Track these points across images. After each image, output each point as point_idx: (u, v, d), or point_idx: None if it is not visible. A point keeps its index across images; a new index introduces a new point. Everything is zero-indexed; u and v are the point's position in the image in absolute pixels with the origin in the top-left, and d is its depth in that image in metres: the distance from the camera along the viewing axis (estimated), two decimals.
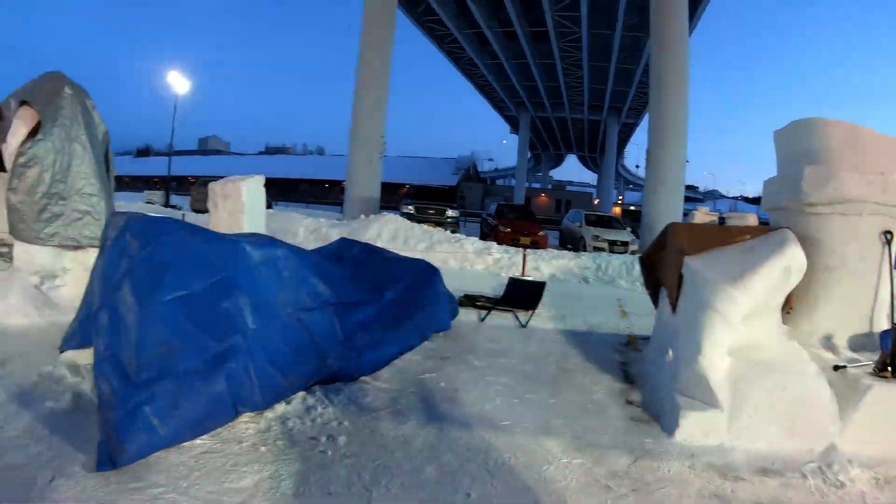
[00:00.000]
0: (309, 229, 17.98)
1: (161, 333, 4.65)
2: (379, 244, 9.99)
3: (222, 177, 11.33)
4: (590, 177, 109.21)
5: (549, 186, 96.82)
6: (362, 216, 20.59)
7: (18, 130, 8.01)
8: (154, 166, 78.47)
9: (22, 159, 7.63)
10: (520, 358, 7.18)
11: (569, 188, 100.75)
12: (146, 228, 5.30)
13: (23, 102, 8.09)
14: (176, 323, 4.72)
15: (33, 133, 7.87)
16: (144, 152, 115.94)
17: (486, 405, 5.60)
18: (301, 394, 5.32)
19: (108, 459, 4.00)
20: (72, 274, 7.89)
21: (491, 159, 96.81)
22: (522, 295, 9.40)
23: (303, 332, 5.49)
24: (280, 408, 5.05)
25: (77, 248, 7.95)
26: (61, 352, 5.70)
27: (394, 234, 16.86)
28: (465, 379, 6.27)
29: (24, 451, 4.23)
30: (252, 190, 10.64)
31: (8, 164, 7.99)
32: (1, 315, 7.22)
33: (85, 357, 5.55)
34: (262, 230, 10.04)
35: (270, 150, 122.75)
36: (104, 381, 4.46)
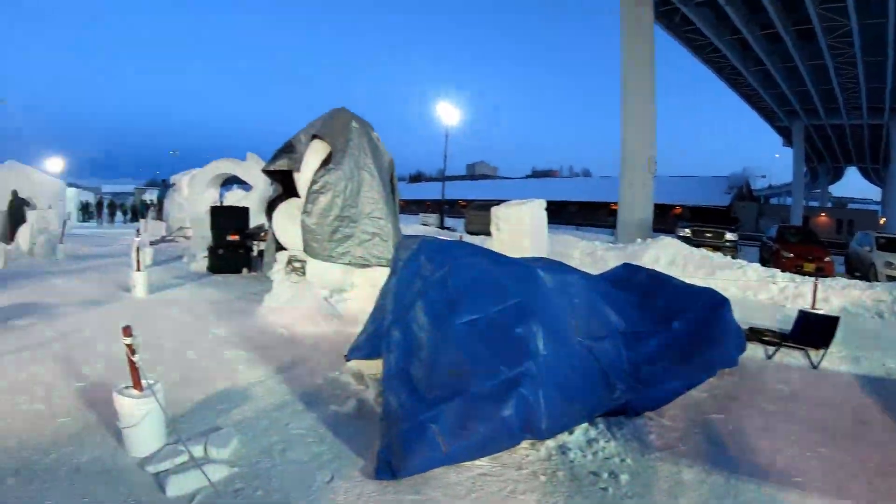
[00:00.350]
0: (584, 252, 17.59)
1: (454, 355, 4.64)
2: (656, 269, 9.45)
3: (491, 200, 11.49)
4: (873, 192, 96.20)
5: (829, 204, 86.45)
6: (639, 240, 19.86)
7: (312, 161, 8.70)
8: (426, 190, 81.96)
9: (315, 186, 8.25)
10: (812, 404, 6.36)
11: (850, 206, 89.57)
12: (440, 252, 5.39)
13: (314, 136, 8.80)
14: (469, 345, 4.69)
15: (325, 163, 8.49)
16: (417, 178, 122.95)
17: (776, 456, 4.99)
18: (584, 424, 5.07)
19: (388, 469, 4.03)
20: (358, 289, 8.36)
21: (763, 176, 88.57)
22: (813, 331, 8.27)
23: (592, 361, 5.25)
24: (562, 437, 4.85)
25: (365, 266, 8.41)
26: (347, 360, 5.92)
27: (672, 258, 15.91)
28: (754, 424, 5.66)
29: (307, 449, 4.43)
30: (534, 213, 10.64)
31: (302, 191, 8.70)
32: (293, 322, 7.86)
33: (369, 368, 5.75)
34: (543, 253, 9.97)
35: (537, 174, 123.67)
36: (393, 394, 4.53)
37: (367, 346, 5.71)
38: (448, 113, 39.52)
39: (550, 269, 5.48)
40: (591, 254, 17.27)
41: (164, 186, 35.48)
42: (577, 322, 5.34)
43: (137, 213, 44.43)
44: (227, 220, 13.97)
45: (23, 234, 16.53)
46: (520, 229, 10.42)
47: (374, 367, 5.70)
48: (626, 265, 8.28)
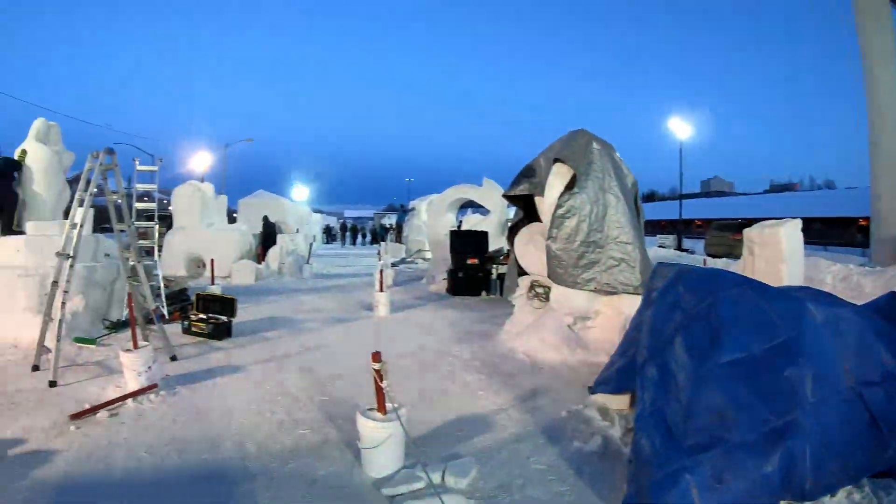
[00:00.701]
0: (837, 277, 15.83)
1: (715, 398, 4.23)
2: None
3: (729, 219, 10.59)
4: None
5: None
6: None
7: (555, 185, 8.57)
8: (660, 210, 77.50)
9: (560, 211, 8.12)
10: None
11: None
12: (702, 281, 4.99)
13: (555, 160, 8.66)
14: (732, 388, 4.25)
15: (569, 187, 8.33)
16: (650, 197, 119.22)
17: None
18: (847, 487, 4.40)
19: None
20: (603, 317, 8.09)
21: None
22: None
23: (862, 410, 4.57)
24: (823, 499, 4.25)
25: (611, 293, 8.10)
26: (591, 393, 5.69)
27: None
28: None
29: (547, 488, 4.23)
30: (790, 235, 9.74)
31: (545, 215, 8.59)
32: (535, 349, 7.74)
33: (616, 403, 5.48)
34: (799, 280, 9.13)
35: (775, 188, 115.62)
36: (645, 436, 4.23)
37: (616, 379, 5.42)
38: (680, 128, 37.78)
39: (819, 302, 4.84)
40: (844, 279, 15.43)
41: (403, 211, 37.37)
42: (847, 364, 4.70)
43: (377, 236, 47.22)
44: (467, 243, 14.41)
45: (273, 254, 18.16)
46: (777, 254, 9.54)
47: (620, 402, 5.44)
48: (892, 294, 7.24)
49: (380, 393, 4.33)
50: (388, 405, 4.35)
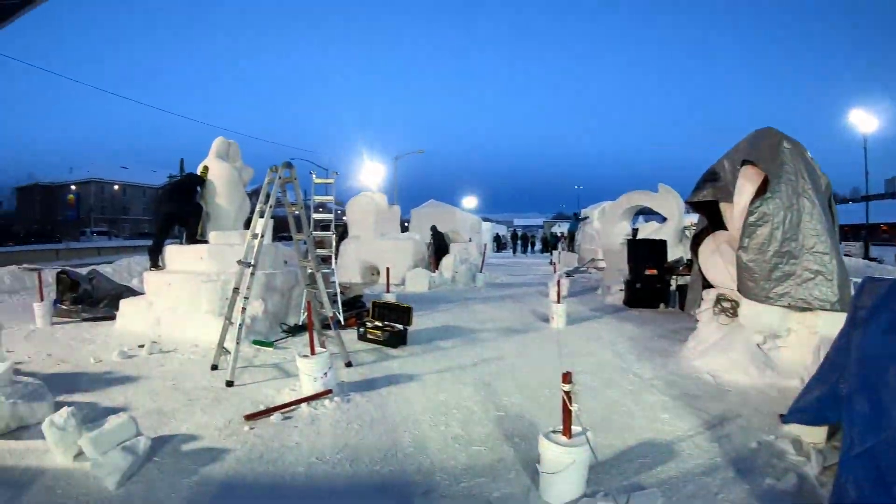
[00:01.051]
0: None
1: None
2: None
3: None
4: None
5: None
6: None
7: (745, 189, 8.08)
8: (842, 214, 72.88)
9: (752, 218, 7.61)
10: None
11: None
12: None
13: (744, 162, 8.14)
14: None
15: (760, 191, 7.81)
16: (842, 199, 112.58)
17: None
18: None
19: None
20: (796, 336, 7.49)
21: None
22: None
23: None
24: None
25: (805, 309, 7.49)
26: (784, 422, 5.31)
27: None
28: None
29: None
30: None
31: (732, 222, 8.11)
32: (720, 369, 7.33)
33: (811, 435, 5.05)
34: None
35: None
36: (851, 478, 3.76)
37: (815, 409, 4.96)
38: (864, 121, 34.31)
39: None
40: None
41: (575, 219, 36.96)
42: None
43: (547, 244, 47.13)
44: (645, 253, 13.96)
45: (447, 263, 18.54)
46: None
47: (816, 434, 5.02)
48: None
49: (567, 416, 4.17)
50: (575, 428, 4.21)
